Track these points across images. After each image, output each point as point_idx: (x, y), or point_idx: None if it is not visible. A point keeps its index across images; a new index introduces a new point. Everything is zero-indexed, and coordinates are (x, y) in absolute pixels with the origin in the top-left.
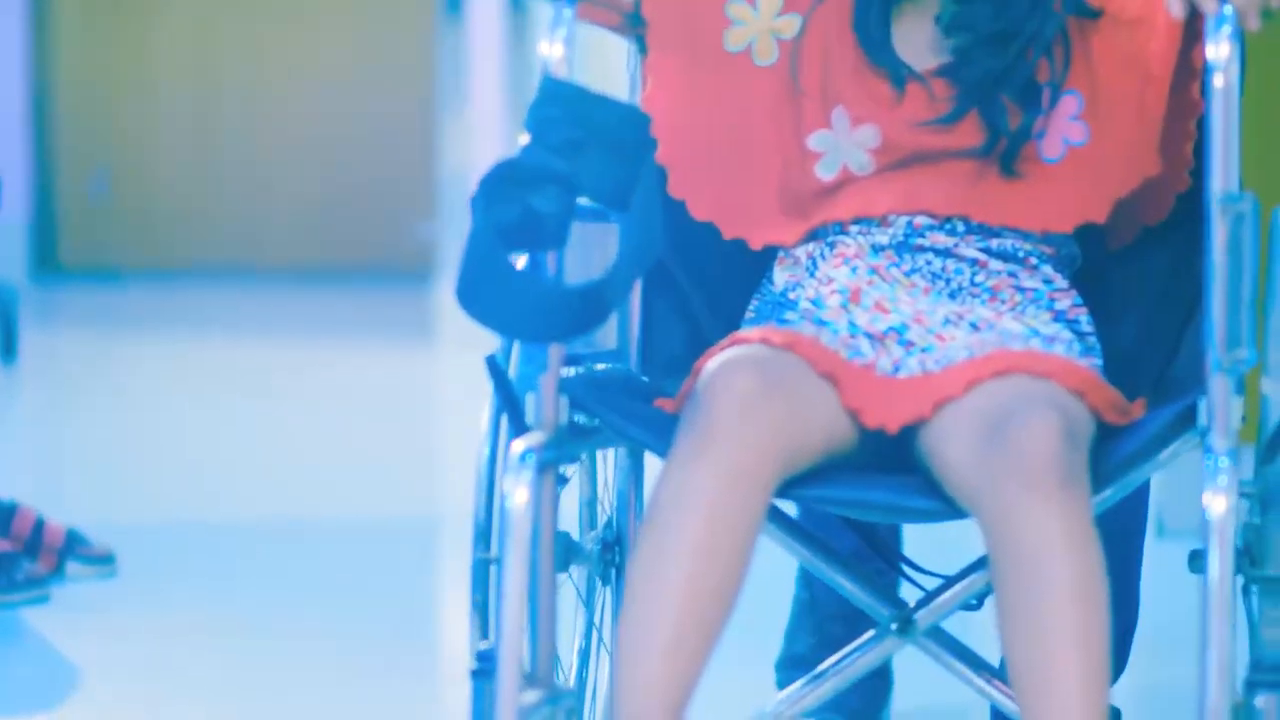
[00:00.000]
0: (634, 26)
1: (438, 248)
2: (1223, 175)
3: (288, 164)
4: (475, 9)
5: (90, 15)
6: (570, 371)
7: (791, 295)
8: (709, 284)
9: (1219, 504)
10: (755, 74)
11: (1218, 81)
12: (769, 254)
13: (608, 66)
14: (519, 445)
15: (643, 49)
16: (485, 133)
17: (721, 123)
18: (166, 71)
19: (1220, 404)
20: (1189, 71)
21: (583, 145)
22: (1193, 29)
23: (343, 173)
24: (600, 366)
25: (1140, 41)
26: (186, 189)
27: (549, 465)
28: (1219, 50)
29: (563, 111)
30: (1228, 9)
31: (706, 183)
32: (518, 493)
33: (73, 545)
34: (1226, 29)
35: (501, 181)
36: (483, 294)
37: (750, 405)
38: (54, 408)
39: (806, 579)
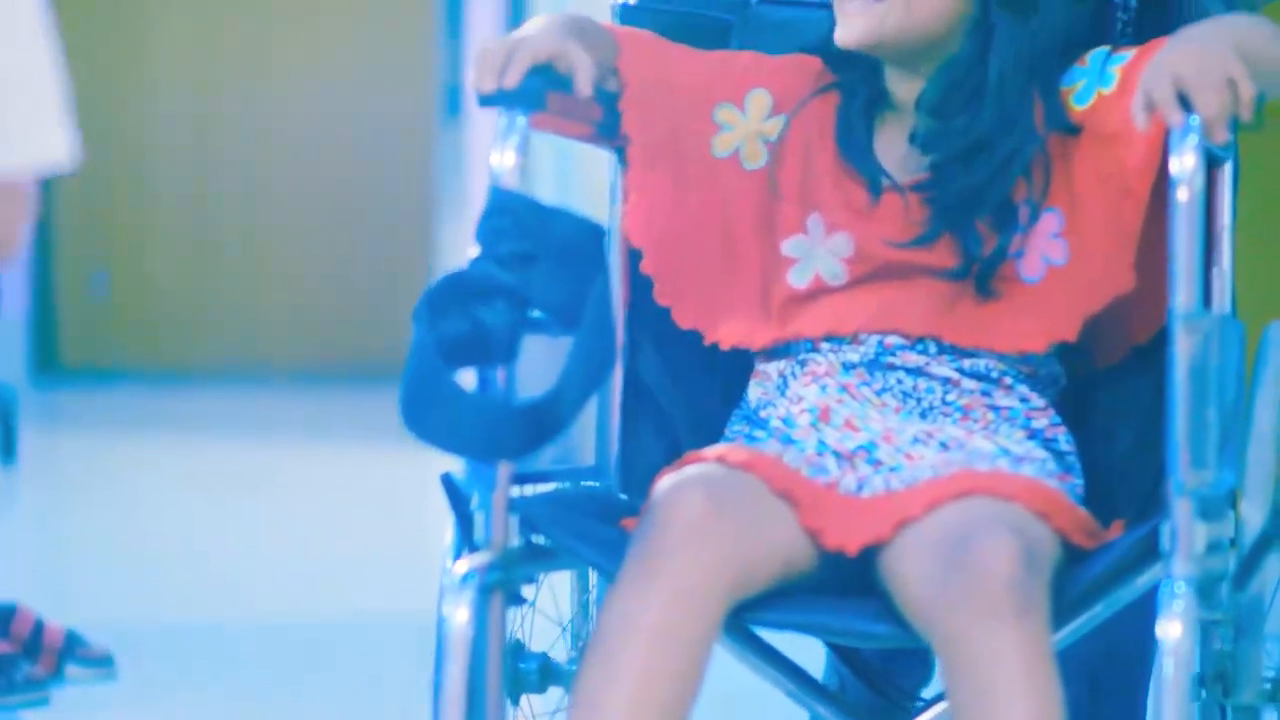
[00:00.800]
0: (607, 138)
1: None
2: (1187, 292)
3: (287, 265)
4: (474, 112)
5: (88, 114)
6: (526, 490)
7: (763, 414)
8: (689, 399)
9: (1173, 631)
10: (742, 178)
11: (1181, 195)
12: (748, 369)
13: None
14: (462, 566)
15: (622, 160)
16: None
17: (707, 229)
18: (165, 174)
19: (1183, 528)
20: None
21: (534, 258)
22: None
23: (342, 275)
24: (588, 484)
25: (1119, 155)
26: (185, 290)
27: (496, 587)
28: (1183, 163)
29: (513, 223)
30: (1194, 120)
31: (691, 290)
32: (457, 614)
33: (72, 647)
34: (1192, 139)
35: (448, 295)
36: (427, 412)
37: (700, 526)
38: (54, 509)
39: (834, 667)
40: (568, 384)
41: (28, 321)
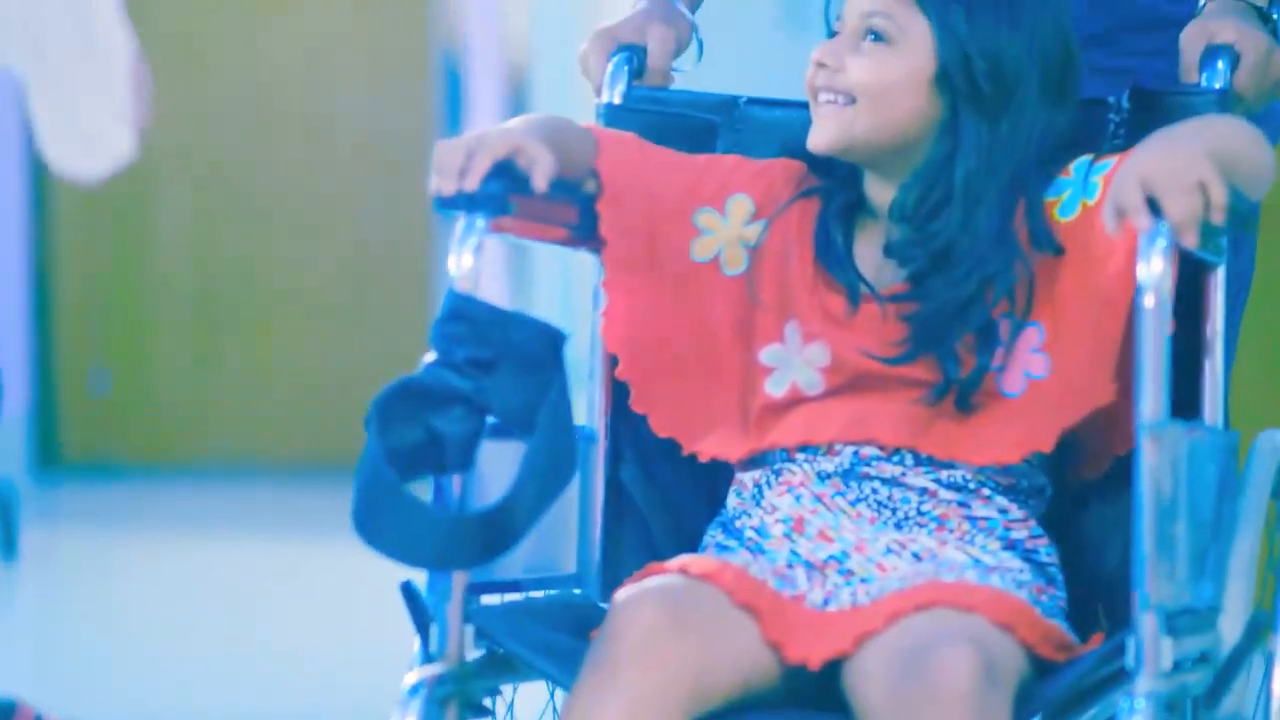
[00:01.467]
0: (584, 240)
1: None
2: (1153, 401)
3: (288, 361)
4: None
5: (91, 211)
6: (499, 598)
7: (738, 524)
8: (670, 507)
9: None
10: (723, 283)
11: (1147, 302)
12: (730, 476)
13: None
14: (412, 677)
15: (601, 263)
16: None
17: (685, 335)
18: (165, 269)
19: (1148, 644)
20: None
21: (491, 364)
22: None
23: (344, 370)
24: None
25: (1102, 265)
26: (187, 385)
27: (450, 699)
28: (1150, 268)
29: (469, 329)
30: (1162, 225)
31: (669, 398)
32: None
33: None
34: (1160, 244)
35: (399, 402)
36: (377, 521)
37: (655, 639)
38: (54, 605)
39: None
40: (521, 492)
41: (28, 416)
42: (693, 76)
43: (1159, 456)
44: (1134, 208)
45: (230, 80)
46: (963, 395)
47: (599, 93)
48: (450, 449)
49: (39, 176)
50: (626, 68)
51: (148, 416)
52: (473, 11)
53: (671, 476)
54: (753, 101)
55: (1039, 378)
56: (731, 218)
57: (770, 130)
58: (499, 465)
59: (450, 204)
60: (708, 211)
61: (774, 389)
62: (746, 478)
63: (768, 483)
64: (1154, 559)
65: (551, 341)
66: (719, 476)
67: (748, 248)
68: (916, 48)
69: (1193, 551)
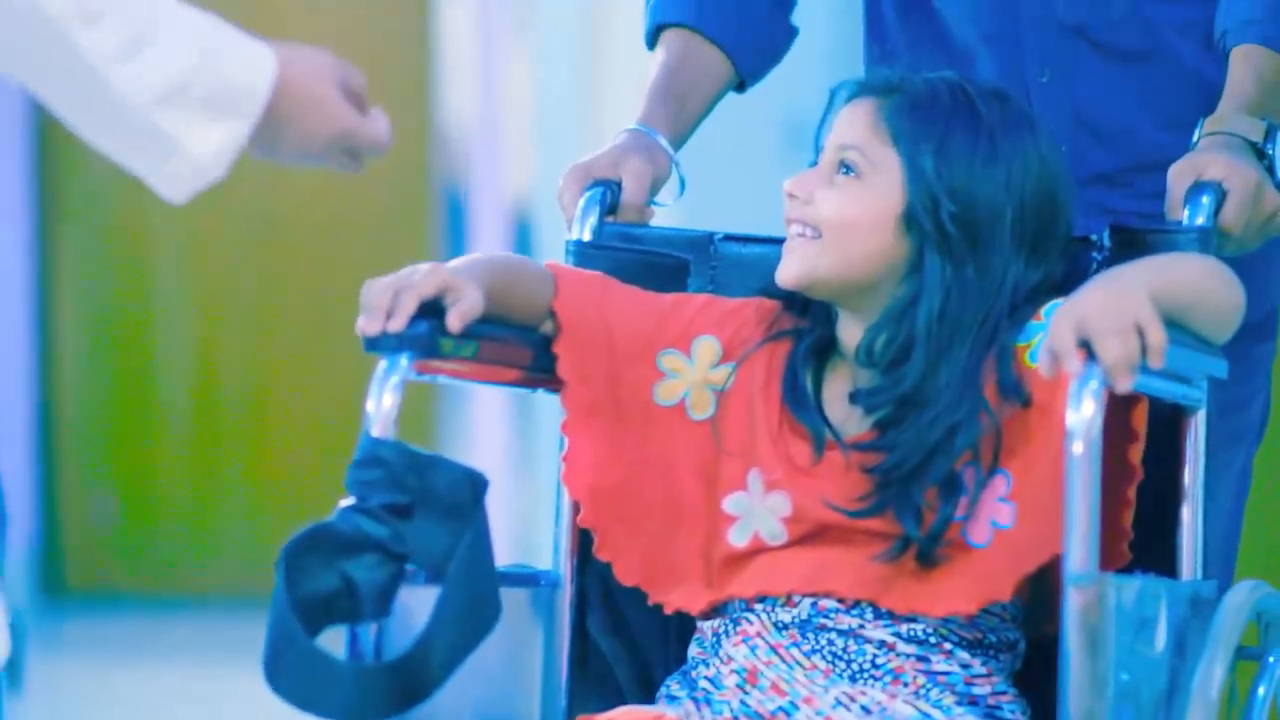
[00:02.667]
0: (541, 381)
1: None
2: (1080, 552)
3: (292, 491)
4: None
5: (93, 341)
6: None
7: (694, 673)
8: (636, 655)
9: None
10: (687, 428)
11: (1076, 449)
12: (694, 625)
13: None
14: None
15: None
16: (487, 448)
17: (648, 482)
18: (168, 398)
19: None
20: (1127, 434)
21: (408, 509)
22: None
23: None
24: None
25: (1063, 406)
26: (191, 515)
27: None
28: (1080, 414)
29: (385, 474)
30: (1094, 368)
31: (633, 546)
32: None
33: None
34: (1092, 386)
35: (311, 548)
36: (285, 672)
37: None
38: None
39: None
40: (433, 640)
41: (32, 546)
42: (689, 208)
43: (1083, 609)
44: (1066, 351)
45: (235, 213)
46: (924, 550)
47: (570, 228)
48: (364, 596)
49: (43, 306)
50: (598, 205)
51: (152, 547)
52: (475, 150)
53: (638, 622)
54: (728, 238)
55: (1005, 527)
56: (698, 360)
57: (746, 267)
58: (424, 614)
59: (376, 345)
60: (672, 354)
61: (737, 540)
62: (706, 626)
63: (725, 632)
64: (1079, 714)
65: (472, 486)
66: (686, 622)
67: (715, 391)
68: (886, 184)
69: (1132, 710)
